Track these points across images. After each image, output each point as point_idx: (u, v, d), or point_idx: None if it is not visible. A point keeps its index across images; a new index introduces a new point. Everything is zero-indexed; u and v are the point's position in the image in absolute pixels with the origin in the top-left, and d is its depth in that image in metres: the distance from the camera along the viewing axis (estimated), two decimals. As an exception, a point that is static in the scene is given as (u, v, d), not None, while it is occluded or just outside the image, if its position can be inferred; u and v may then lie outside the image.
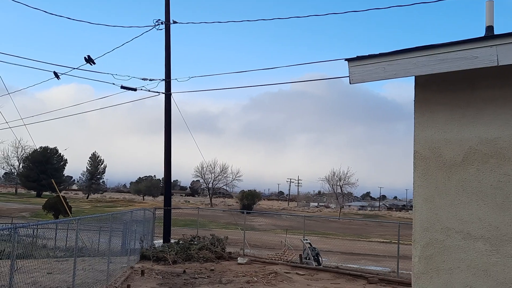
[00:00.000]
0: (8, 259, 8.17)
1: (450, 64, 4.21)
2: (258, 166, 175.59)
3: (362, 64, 4.69)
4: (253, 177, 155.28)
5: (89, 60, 22.57)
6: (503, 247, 4.20)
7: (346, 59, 4.80)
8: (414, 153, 4.73)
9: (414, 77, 4.72)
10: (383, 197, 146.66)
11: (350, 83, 4.77)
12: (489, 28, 4.96)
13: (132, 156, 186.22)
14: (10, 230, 8.28)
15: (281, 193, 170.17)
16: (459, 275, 4.38)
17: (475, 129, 4.42)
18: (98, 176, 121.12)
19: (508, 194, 4.22)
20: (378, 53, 4.64)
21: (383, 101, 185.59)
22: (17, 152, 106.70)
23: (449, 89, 4.61)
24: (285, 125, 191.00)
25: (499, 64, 3.98)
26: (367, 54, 4.70)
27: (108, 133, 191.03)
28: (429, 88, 4.71)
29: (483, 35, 4.67)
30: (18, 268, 8.61)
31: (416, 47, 4.43)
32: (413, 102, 4.80)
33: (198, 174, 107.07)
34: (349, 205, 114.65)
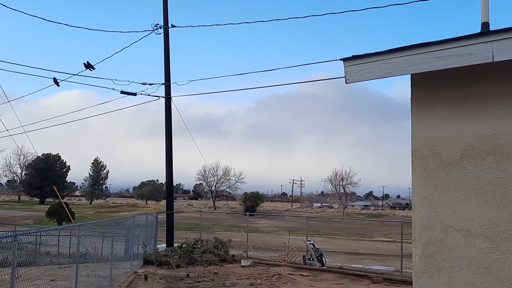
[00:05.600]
0: (10, 267, 8.16)
1: (446, 62, 4.19)
2: (263, 168, 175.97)
3: (358, 63, 4.66)
4: (257, 179, 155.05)
5: (88, 66, 22.59)
6: (503, 244, 4.17)
7: (341, 59, 4.77)
8: (412, 151, 4.70)
9: (410, 75, 4.69)
10: (386, 196, 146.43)
11: (346, 83, 4.74)
12: (485, 25, 4.93)
13: (135, 161, 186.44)
14: (11, 237, 8.27)
15: (284, 194, 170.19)
16: (460, 273, 4.35)
17: (473, 126, 4.39)
18: (101, 182, 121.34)
19: (507, 190, 4.19)
20: (373, 52, 4.62)
21: (391, 101, 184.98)
22: (19, 160, 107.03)
23: (446, 86, 4.58)
24: (291, 127, 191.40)
25: (494, 60, 3.95)
26: (363, 53, 4.67)
27: (111, 138, 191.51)
28: (426, 86, 4.68)
29: (478, 32, 4.65)
30: (20, 275, 8.60)
31: (411, 45, 4.40)
32: (410, 100, 4.77)
33: (201, 177, 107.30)
34: (352, 205, 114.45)
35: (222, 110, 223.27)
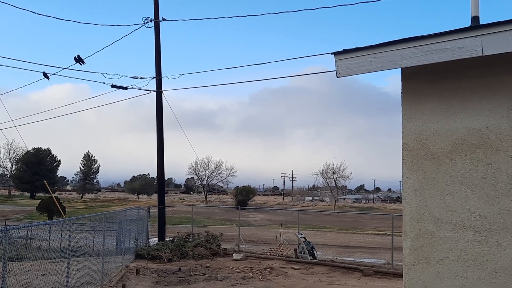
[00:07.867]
0: (1, 261, 8.13)
1: (436, 56, 4.21)
2: (255, 162, 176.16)
3: (349, 57, 4.66)
4: (249, 173, 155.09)
5: (79, 59, 22.42)
6: (492, 237, 4.22)
7: (332, 53, 4.78)
8: (402, 145, 4.73)
9: (401, 69, 4.71)
10: (377, 190, 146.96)
11: (337, 77, 4.75)
12: (475, 19, 4.95)
13: (126, 155, 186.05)
14: (1, 232, 8.23)
15: (276, 188, 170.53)
16: (450, 265, 4.39)
17: (462, 119, 4.43)
18: (92, 176, 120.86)
19: (496, 183, 4.23)
20: (364, 46, 4.63)
21: (385, 95, 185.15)
22: (9, 154, 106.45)
23: (436, 80, 4.61)
24: (284, 120, 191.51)
25: (483, 54, 3.98)
26: (354, 47, 4.68)
27: (102, 132, 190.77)
28: (416, 80, 4.71)
29: (468, 26, 4.67)
30: (11, 270, 8.57)
31: (401, 39, 4.42)
32: (400, 94, 4.79)
33: (193, 171, 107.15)
34: (344, 198, 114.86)
35: (215, 104, 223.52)
